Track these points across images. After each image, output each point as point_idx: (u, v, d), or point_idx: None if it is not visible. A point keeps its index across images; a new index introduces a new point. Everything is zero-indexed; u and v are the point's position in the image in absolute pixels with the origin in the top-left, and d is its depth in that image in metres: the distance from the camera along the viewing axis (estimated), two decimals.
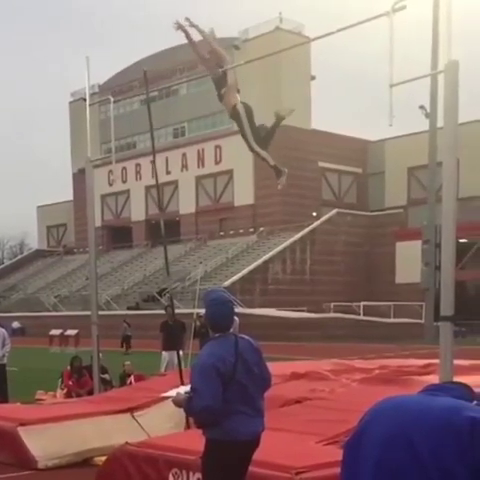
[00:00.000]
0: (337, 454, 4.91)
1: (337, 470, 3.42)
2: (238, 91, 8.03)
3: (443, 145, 6.76)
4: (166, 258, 9.59)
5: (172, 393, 4.44)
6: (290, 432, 6.42)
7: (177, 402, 4.40)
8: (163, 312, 26.40)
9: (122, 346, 28.81)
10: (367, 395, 7.19)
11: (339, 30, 8.17)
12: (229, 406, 4.14)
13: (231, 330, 4.38)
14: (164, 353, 14.34)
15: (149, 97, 9.76)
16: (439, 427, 2.05)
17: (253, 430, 4.27)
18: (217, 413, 4.13)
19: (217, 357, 4.16)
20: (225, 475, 4.22)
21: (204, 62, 8.16)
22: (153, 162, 9.62)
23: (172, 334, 13.50)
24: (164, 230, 9.06)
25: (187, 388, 4.27)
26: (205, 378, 4.12)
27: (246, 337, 4.41)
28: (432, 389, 2.31)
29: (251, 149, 7.70)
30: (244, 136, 7.78)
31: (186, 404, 4.24)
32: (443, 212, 6.60)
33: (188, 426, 7.74)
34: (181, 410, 5.82)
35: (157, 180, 9.77)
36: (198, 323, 15.05)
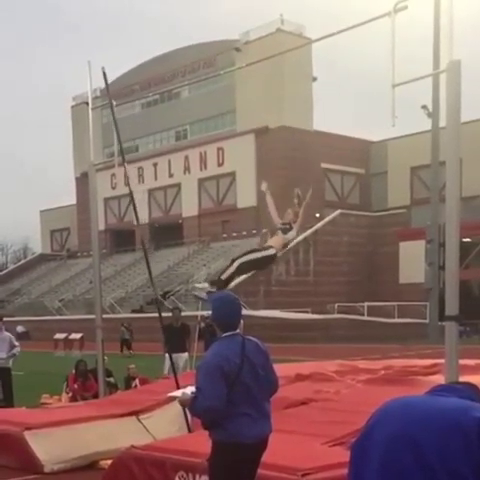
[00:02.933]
0: (343, 455, 4.90)
1: (343, 471, 3.41)
2: (281, 249, 8.06)
3: (446, 144, 6.75)
4: (149, 268, 9.58)
5: (178, 393, 4.43)
6: (296, 434, 6.40)
7: (183, 402, 4.39)
8: (166, 315, 26.42)
9: (122, 350, 28.77)
10: (372, 396, 7.18)
11: (340, 31, 8.17)
12: (234, 408, 4.13)
13: (238, 330, 4.35)
14: (167, 356, 14.31)
15: (107, 107, 9.67)
16: (446, 428, 2.04)
17: (258, 432, 4.24)
18: (221, 413, 4.11)
19: (222, 357, 4.14)
20: (231, 477, 4.20)
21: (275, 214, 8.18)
22: (125, 174, 9.52)
23: (176, 337, 13.53)
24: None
25: (193, 388, 4.26)
26: (210, 378, 4.10)
27: (254, 339, 4.38)
28: (439, 389, 2.31)
29: (233, 260, 7.65)
30: (246, 254, 7.85)
31: (190, 404, 4.23)
32: (447, 211, 6.59)
33: (189, 429, 7.72)
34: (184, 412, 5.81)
35: (131, 190, 9.65)
36: (202, 325, 15.04)
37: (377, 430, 2.19)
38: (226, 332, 4.30)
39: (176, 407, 7.78)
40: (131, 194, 9.76)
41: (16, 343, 11.94)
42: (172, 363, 8.95)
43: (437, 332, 28.86)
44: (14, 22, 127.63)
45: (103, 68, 9.49)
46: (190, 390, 4.26)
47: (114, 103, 10.96)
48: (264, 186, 8.19)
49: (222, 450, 4.20)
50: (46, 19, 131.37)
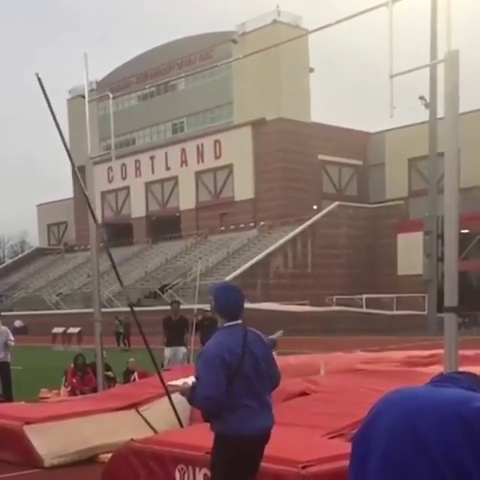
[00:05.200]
0: (343, 447, 4.90)
1: (343, 463, 3.41)
2: None
3: (444, 135, 6.72)
4: (116, 272, 9.51)
5: (179, 382, 4.39)
6: (295, 426, 6.39)
7: (183, 392, 4.34)
8: (163, 308, 26.47)
9: (118, 344, 28.79)
10: (372, 388, 7.17)
11: (338, 22, 8.12)
12: (235, 399, 4.08)
13: (240, 321, 4.28)
14: (166, 349, 14.29)
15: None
16: (447, 419, 2.02)
17: (260, 425, 4.20)
18: (220, 404, 4.06)
19: (224, 347, 4.08)
20: (233, 470, 4.15)
21: None
22: (81, 179, 9.27)
23: (175, 330, 13.54)
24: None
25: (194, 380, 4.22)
26: (209, 368, 4.04)
27: (257, 331, 4.32)
28: (440, 380, 2.29)
29: None
30: None
31: (189, 394, 4.18)
32: (445, 203, 6.56)
33: (181, 425, 7.68)
34: (185, 405, 5.77)
35: (85, 194, 9.50)
36: (199, 317, 15.01)
37: (378, 422, 2.18)
38: (228, 322, 4.22)
39: (175, 399, 7.79)
40: (87, 198, 9.56)
41: (11, 338, 11.96)
42: (153, 358, 8.79)
43: (436, 323, 28.95)
44: (10, 20, 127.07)
45: (37, 74, 8.39)
46: (192, 380, 4.21)
47: (111, 96, 10.93)
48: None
49: (223, 443, 4.15)
50: (41, 14, 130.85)
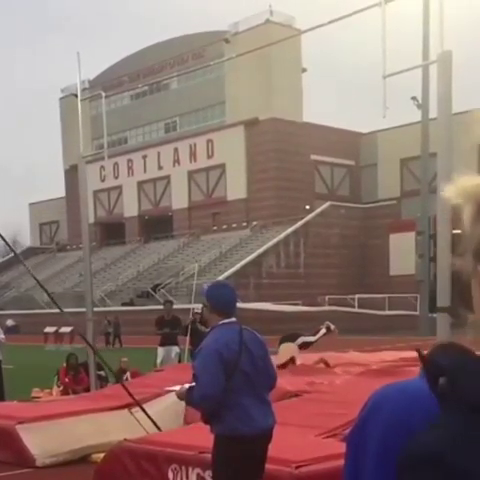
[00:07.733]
0: (337, 447, 4.91)
1: (337, 463, 3.41)
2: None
3: (437, 135, 6.75)
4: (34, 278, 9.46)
5: (176, 387, 4.37)
6: (289, 425, 6.38)
7: (180, 395, 4.31)
8: (155, 307, 26.43)
9: (107, 344, 28.77)
10: (366, 387, 7.18)
11: (331, 22, 8.16)
12: (234, 397, 4.04)
13: (235, 318, 4.28)
14: (160, 349, 14.28)
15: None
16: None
17: (261, 424, 4.15)
18: (218, 402, 4.02)
19: (221, 344, 4.07)
20: (235, 471, 4.09)
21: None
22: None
23: (167, 329, 13.54)
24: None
25: (193, 384, 4.20)
26: (207, 364, 4.02)
27: (252, 330, 4.32)
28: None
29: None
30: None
31: (187, 395, 4.15)
32: (438, 203, 6.59)
33: (159, 429, 7.62)
34: (178, 406, 5.75)
35: None
36: (191, 318, 15.00)
37: (373, 418, 2.18)
38: (223, 319, 4.21)
39: (169, 400, 7.78)
40: None
41: (2, 335, 11.92)
42: (104, 362, 8.65)
43: (427, 324, 29.00)
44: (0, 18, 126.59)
45: None
46: (189, 385, 4.20)
47: (103, 95, 10.92)
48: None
49: (224, 443, 4.10)
50: (35, 13, 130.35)
